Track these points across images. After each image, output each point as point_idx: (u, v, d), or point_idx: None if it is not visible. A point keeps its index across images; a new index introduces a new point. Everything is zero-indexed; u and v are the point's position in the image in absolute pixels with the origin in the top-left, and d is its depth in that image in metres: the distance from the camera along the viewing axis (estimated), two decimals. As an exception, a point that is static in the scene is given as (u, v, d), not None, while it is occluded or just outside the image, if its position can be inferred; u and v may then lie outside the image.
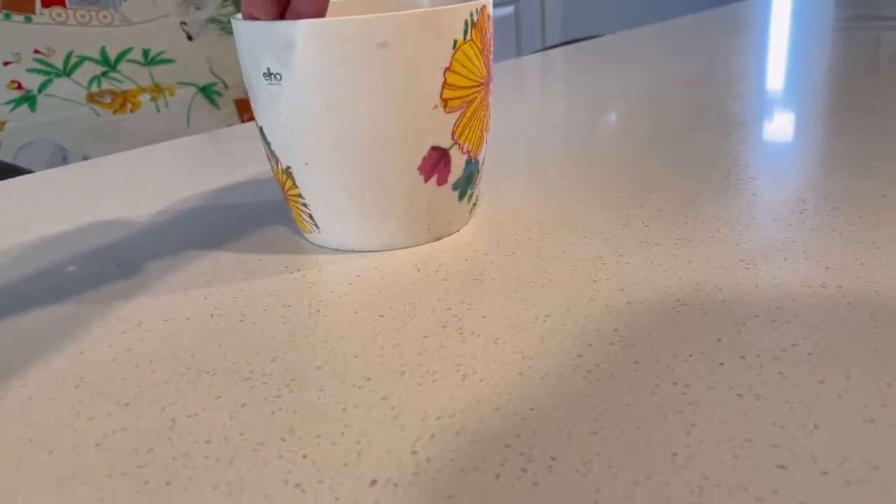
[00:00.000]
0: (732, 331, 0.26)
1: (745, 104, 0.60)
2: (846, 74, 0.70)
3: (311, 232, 0.36)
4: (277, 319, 0.30)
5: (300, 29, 0.31)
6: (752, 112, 0.57)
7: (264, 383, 0.25)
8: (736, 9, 1.24)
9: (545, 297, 0.30)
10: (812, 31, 1.00)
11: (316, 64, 0.31)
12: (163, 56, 1.57)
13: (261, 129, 0.35)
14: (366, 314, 0.30)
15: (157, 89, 1.54)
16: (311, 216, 0.35)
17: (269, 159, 0.36)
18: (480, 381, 0.25)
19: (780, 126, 0.53)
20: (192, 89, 1.57)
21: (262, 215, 0.41)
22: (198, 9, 1.64)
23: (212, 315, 0.30)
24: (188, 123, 1.56)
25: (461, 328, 0.28)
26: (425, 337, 0.27)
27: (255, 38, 0.32)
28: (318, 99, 0.32)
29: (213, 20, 1.65)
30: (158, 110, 1.53)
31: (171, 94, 1.55)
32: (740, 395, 0.23)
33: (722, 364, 0.24)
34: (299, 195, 0.35)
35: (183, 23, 1.62)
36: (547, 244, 0.35)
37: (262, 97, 0.33)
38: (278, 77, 0.32)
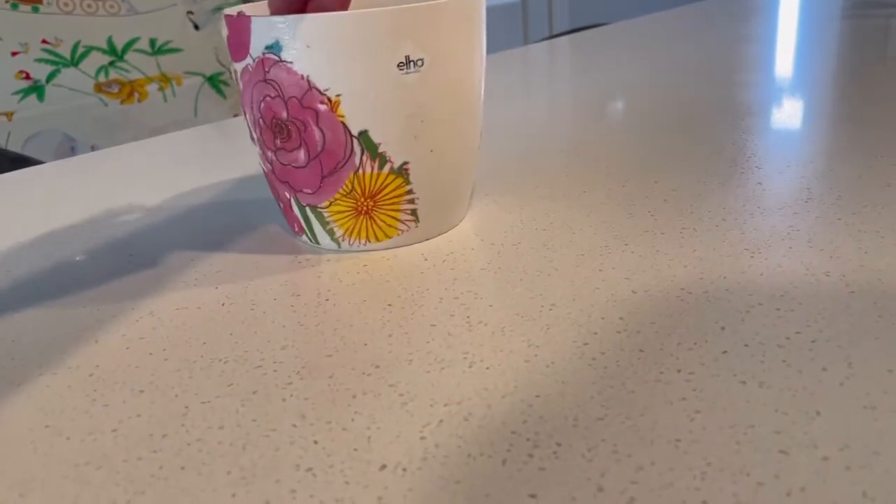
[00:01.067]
0: (736, 319, 0.27)
1: (751, 93, 0.60)
2: (854, 62, 0.70)
3: (401, 233, 0.35)
4: (287, 308, 0.30)
5: (453, 8, 0.31)
6: (759, 101, 0.57)
7: (275, 371, 0.26)
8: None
9: (551, 287, 0.30)
10: (819, 18, 0.99)
11: (461, 43, 0.32)
12: (170, 45, 1.57)
13: (363, 133, 0.31)
14: (374, 303, 0.30)
15: (164, 79, 1.54)
16: (414, 212, 0.34)
17: (350, 166, 0.32)
18: (487, 368, 0.25)
19: (786, 115, 0.53)
20: (200, 79, 1.58)
21: (272, 207, 0.42)
22: (204, -2, 1.64)
23: (223, 304, 0.31)
24: (196, 113, 1.56)
25: (468, 317, 0.28)
26: (433, 326, 0.28)
27: (393, 24, 0.30)
28: (458, 79, 0.33)
29: (219, 9, 1.65)
30: (166, 100, 1.53)
31: (179, 83, 1.55)
32: (744, 383, 0.23)
33: (726, 352, 0.25)
34: (409, 191, 0.33)
35: (189, 12, 1.62)
36: (553, 234, 0.35)
37: (389, 90, 0.31)
38: (420, 63, 0.31)
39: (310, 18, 0.30)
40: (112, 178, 0.51)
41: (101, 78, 1.48)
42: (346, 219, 0.34)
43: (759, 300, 0.28)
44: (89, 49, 1.48)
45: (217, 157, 0.55)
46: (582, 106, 0.61)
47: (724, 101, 0.58)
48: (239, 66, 0.32)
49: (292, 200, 0.34)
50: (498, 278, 0.31)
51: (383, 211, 0.34)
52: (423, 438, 0.22)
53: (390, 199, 0.33)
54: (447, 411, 0.23)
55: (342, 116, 0.31)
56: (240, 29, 0.31)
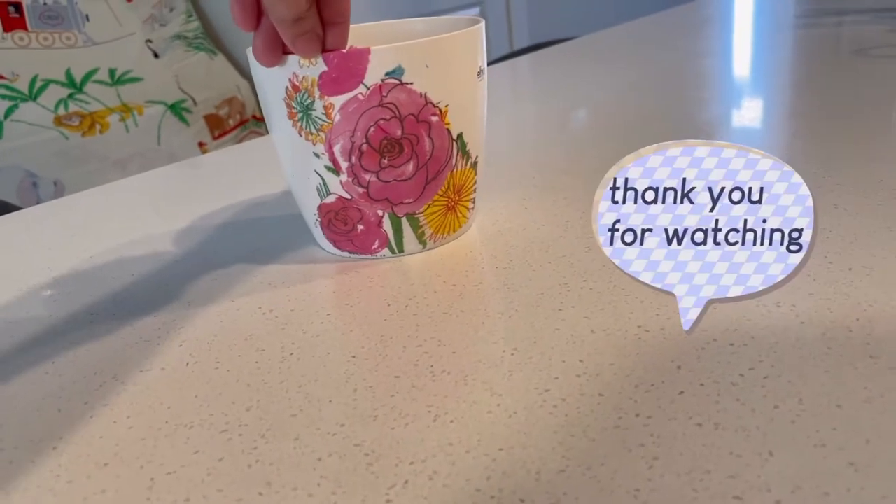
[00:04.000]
0: (692, 357, 0.27)
1: (705, 110, 0.62)
2: (806, 74, 0.72)
3: (467, 220, 0.41)
4: (252, 365, 0.30)
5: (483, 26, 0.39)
6: (712, 118, 0.59)
7: (241, 434, 0.26)
8: (699, 6, 1.26)
9: (512, 329, 0.31)
10: (773, 27, 1.02)
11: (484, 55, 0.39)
12: (130, 75, 1.56)
13: (460, 136, 0.37)
14: (338, 355, 0.30)
15: (125, 109, 1.53)
16: (474, 200, 0.41)
17: (448, 167, 0.38)
18: (451, 421, 0.25)
19: (738, 132, 0.54)
20: (161, 107, 1.57)
21: (230, 254, 0.42)
22: (162, 25, 1.64)
23: (187, 364, 0.31)
24: (159, 142, 1.55)
25: (432, 366, 0.29)
26: (397, 377, 0.28)
27: (471, 42, 0.37)
28: (487, 86, 0.40)
29: (178, 36, 1.65)
30: (128, 130, 1.52)
31: (140, 112, 1.54)
32: (700, 425, 0.24)
33: (682, 392, 0.25)
34: (475, 182, 0.40)
35: (148, 41, 1.61)
36: (513, 272, 0.36)
37: (475, 95, 0.38)
38: (483, 72, 0.38)
39: (427, 43, 0.35)
40: (67, 227, 0.50)
41: (61, 111, 1.46)
42: (437, 217, 0.39)
43: (713, 335, 0.28)
44: (47, 82, 1.46)
45: (171, 201, 0.54)
46: (535, 134, 0.62)
47: (678, 119, 0.59)
48: (340, 99, 0.34)
49: (386, 216, 0.38)
50: (461, 322, 0.32)
51: (462, 202, 0.40)
52: (388, 502, 0.22)
53: (468, 190, 0.40)
54: (412, 470, 0.23)
55: (448, 124, 0.37)
56: (353, 61, 0.34)
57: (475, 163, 0.39)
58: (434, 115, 0.36)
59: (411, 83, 0.35)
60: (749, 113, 0.61)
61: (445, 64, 0.36)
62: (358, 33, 0.43)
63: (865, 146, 0.47)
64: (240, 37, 1.69)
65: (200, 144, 1.60)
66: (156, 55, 1.63)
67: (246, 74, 1.65)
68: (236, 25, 0.33)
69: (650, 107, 0.65)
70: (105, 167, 1.45)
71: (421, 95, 0.35)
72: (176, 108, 1.59)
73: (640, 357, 0.28)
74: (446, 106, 0.36)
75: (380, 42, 0.35)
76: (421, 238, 0.39)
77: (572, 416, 0.25)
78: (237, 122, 1.67)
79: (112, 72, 1.56)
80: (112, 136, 1.51)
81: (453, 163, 0.38)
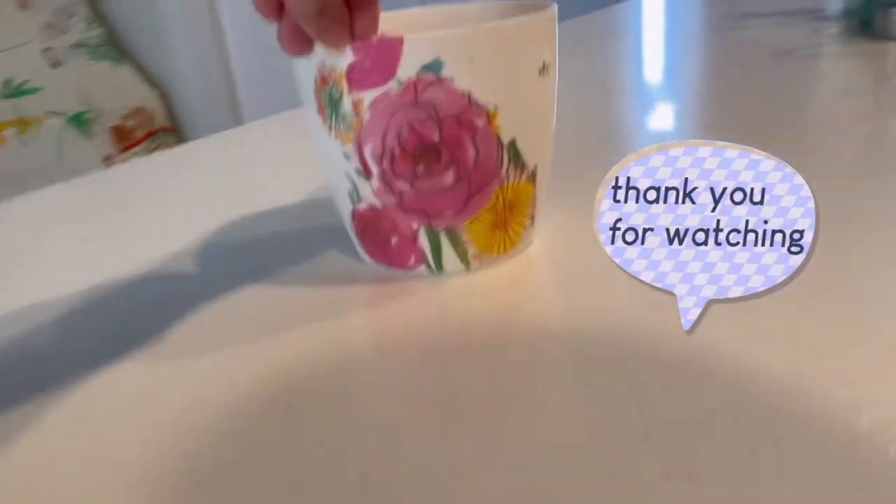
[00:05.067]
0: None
1: (622, 117, 0.61)
2: (727, 77, 0.73)
3: (522, 240, 0.35)
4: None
5: (554, 15, 0.33)
6: (630, 125, 0.58)
7: None
8: (614, 10, 1.28)
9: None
10: (686, 32, 1.04)
11: (555, 49, 0.34)
12: (27, 86, 1.47)
13: (511, 143, 0.32)
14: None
15: (23, 122, 1.44)
16: (532, 216, 0.35)
17: (498, 178, 0.32)
18: None
19: (657, 137, 0.54)
20: (62, 119, 1.48)
21: (181, 294, 0.38)
22: (63, 33, 1.55)
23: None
24: (59, 156, 1.46)
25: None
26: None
27: (532, 33, 0.32)
28: (558, 83, 0.34)
29: (80, 44, 1.56)
30: (26, 144, 1.43)
31: (39, 125, 1.45)
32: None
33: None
34: (534, 196, 0.34)
35: (47, 49, 1.52)
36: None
37: (533, 96, 0.33)
38: (549, 69, 0.33)
39: (473, 32, 0.30)
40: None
41: (-49, 125, 1.36)
42: (484, 234, 0.33)
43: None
44: (-65, 94, 1.36)
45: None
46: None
47: (596, 127, 0.58)
48: (369, 94, 0.30)
49: (421, 229, 0.33)
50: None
51: (515, 220, 0.34)
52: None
53: (522, 205, 0.34)
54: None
55: (497, 129, 0.31)
56: (385, 52, 0.29)
57: (533, 174, 0.34)
58: (479, 118, 0.31)
59: (452, 79, 0.30)
60: (666, 118, 0.61)
61: (496, 58, 0.30)
62: (399, 21, 0.36)
63: (788, 145, 0.48)
64: (147, 44, 1.61)
65: (106, 158, 1.52)
66: (56, 64, 1.54)
67: (155, 83, 1.58)
68: (259, 15, 0.29)
69: (565, 113, 0.64)
70: (2, 184, 1.35)
71: (463, 95, 0.30)
72: (78, 120, 1.51)
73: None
74: (495, 108, 0.31)
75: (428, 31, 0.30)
76: (464, 257, 0.34)
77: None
78: (145, 133, 1.59)
79: (7, 82, 1.46)
80: (9, 152, 1.42)
81: (503, 174, 0.32)
